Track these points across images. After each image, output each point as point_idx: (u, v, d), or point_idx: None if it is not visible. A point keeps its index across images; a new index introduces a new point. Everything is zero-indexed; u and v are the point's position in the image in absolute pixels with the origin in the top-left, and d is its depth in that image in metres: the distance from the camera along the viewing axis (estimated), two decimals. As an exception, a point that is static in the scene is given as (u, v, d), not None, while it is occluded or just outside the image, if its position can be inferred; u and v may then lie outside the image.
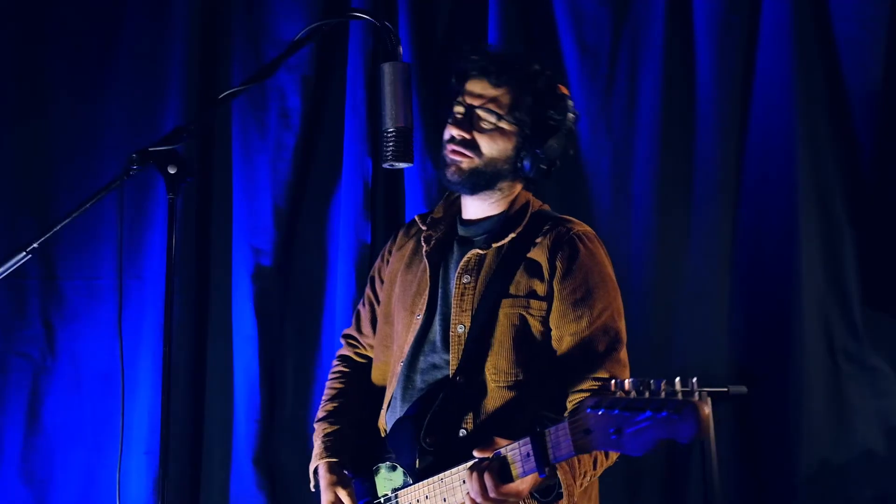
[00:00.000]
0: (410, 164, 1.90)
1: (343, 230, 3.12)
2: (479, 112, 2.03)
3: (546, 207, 2.15)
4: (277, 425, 3.13)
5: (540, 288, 1.98)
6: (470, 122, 2.04)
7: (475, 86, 2.05)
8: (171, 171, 1.72)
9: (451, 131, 2.05)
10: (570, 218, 2.10)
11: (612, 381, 1.52)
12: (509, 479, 1.73)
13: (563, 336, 1.97)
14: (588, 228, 2.08)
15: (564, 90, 2.09)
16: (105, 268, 3.16)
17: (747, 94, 2.98)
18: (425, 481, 1.90)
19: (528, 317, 1.98)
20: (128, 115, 3.19)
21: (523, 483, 1.75)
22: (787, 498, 2.83)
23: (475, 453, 1.78)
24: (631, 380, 1.48)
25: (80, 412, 3.12)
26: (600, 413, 1.50)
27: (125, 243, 3.12)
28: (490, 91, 2.03)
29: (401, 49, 1.88)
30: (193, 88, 3.17)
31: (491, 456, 1.76)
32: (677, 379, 1.43)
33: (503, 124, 2.02)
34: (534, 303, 1.97)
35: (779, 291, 2.89)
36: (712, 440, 2.84)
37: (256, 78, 1.95)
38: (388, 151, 1.87)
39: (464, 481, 1.80)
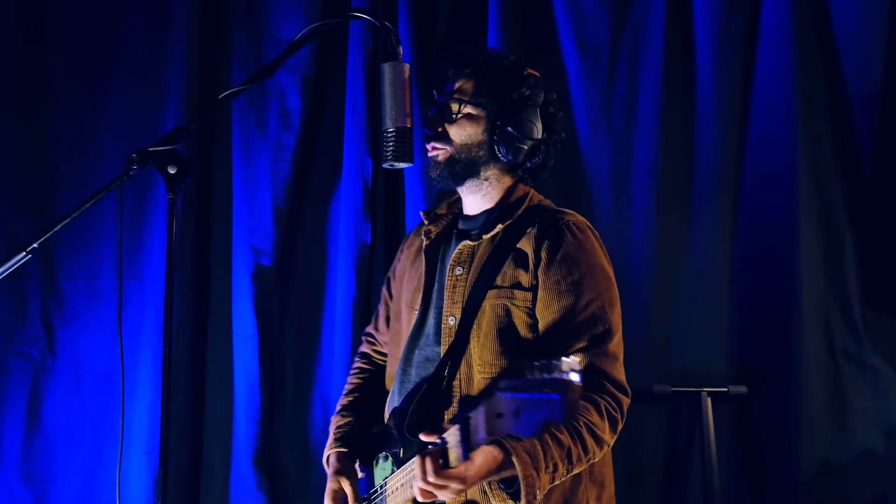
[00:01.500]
0: (410, 164, 1.90)
1: (343, 230, 3.12)
2: (446, 105, 2.07)
3: (547, 202, 2.13)
4: (277, 425, 3.13)
5: (525, 278, 1.96)
6: (440, 116, 2.08)
7: (442, 85, 2.12)
8: (171, 171, 1.71)
9: (425, 129, 2.11)
10: (566, 210, 2.07)
11: (524, 363, 1.44)
12: (448, 464, 1.71)
13: (548, 327, 1.93)
14: (581, 218, 2.04)
15: (532, 71, 2.10)
16: (105, 268, 3.16)
17: (747, 95, 2.99)
18: (401, 468, 1.92)
19: (512, 308, 1.95)
20: (128, 116, 3.19)
21: (468, 469, 1.71)
22: (787, 498, 2.83)
23: (421, 437, 1.77)
24: (539, 362, 1.40)
25: (80, 412, 3.12)
26: (507, 396, 1.42)
27: (125, 243, 3.11)
28: (454, 84, 2.08)
29: (401, 49, 1.87)
30: (193, 89, 3.17)
31: (438, 440, 1.74)
32: (562, 358, 1.37)
33: (468, 109, 2.04)
34: (518, 293, 1.95)
35: (779, 291, 2.89)
36: (712, 440, 2.84)
37: (256, 78, 1.94)
38: (388, 151, 1.87)
39: None
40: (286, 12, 3.18)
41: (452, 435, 1.69)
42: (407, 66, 1.86)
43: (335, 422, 2.22)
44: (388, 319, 2.30)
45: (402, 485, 1.90)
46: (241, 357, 3.13)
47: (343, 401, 2.27)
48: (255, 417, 3.09)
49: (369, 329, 2.39)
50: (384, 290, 2.34)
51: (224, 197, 3.21)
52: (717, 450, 2.84)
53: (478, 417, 1.56)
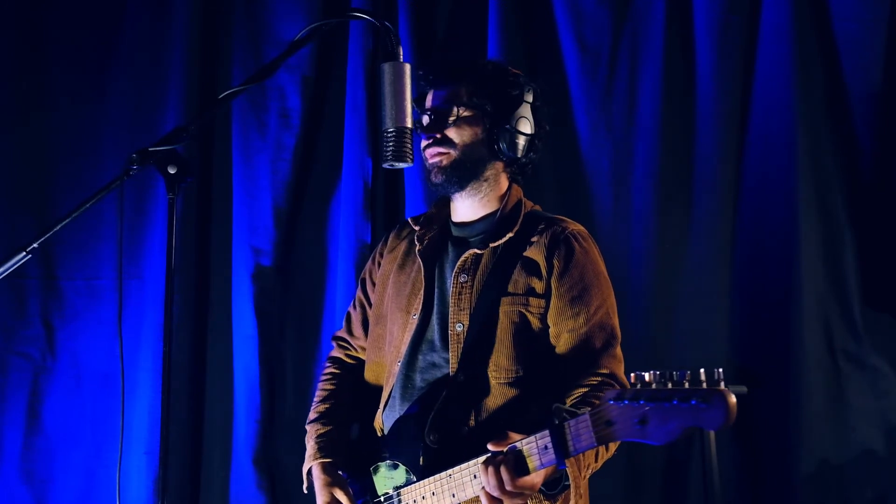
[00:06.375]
0: (410, 164, 1.90)
1: (343, 230, 3.12)
2: (441, 111, 2.09)
3: (538, 208, 2.17)
4: (277, 425, 3.13)
5: (538, 286, 2.01)
6: (436, 123, 2.09)
7: (430, 96, 2.14)
8: (171, 171, 1.72)
9: (423, 138, 2.11)
10: (563, 217, 2.13)
11: (633, 374, 1.54)
12: (525, 472, 1.75)
13: (561, 333, 2.00)
14: (581, 227, 2.11)
15: (516, 71, 2.16)
16: (105, 268, 3.17)
17: (747, 94, 2.99)
18: (431, 478, 1.91)
19: (527, 314, 2.00)
20: (128, 115, 3.20)
21: (538, 476, 1.77)
22: (787, 498, 2.84)
23: (490, 447, 1.79)
24: (652, 372, 1.50)
25: (80, 412, 3.12)
26: (624, 405, 1.52)
27: (125, 243, 3.12)
28: (444, 93, 2.11)
29: (401, 49, 1.88)
30: (193, 88, 3.17)
31: (506, 450, 1.77)
32: (702, 370, 1.46)
33: (465, 112, 2.08)
34: (533, 300, 2.01)
35: (779, 291, 2.89)
36: (712, 440, 2.84)
37: (256, 78, 1.95)
38: (387, 151, 1.87)
39: (475, 476, 1.81)
40: (286, 12, 3.18)
41: (532, 444, 1.73)
42: (407, 66, 1.86)
43: (315, 431, 2.17)
44: (363, 323, 2.29)
45: (433, 493, 1.90)
46: (241, 357, 3.13)
47: (319, 408, 2.22)
48: (255, 417, 3.10)
49: (341, 333, 2.36)
50: (359, 295, 2.32)
51: (224, 197, 3.21)
52: (717, 450, 2.84)
53: (579, 426, 1.63)
